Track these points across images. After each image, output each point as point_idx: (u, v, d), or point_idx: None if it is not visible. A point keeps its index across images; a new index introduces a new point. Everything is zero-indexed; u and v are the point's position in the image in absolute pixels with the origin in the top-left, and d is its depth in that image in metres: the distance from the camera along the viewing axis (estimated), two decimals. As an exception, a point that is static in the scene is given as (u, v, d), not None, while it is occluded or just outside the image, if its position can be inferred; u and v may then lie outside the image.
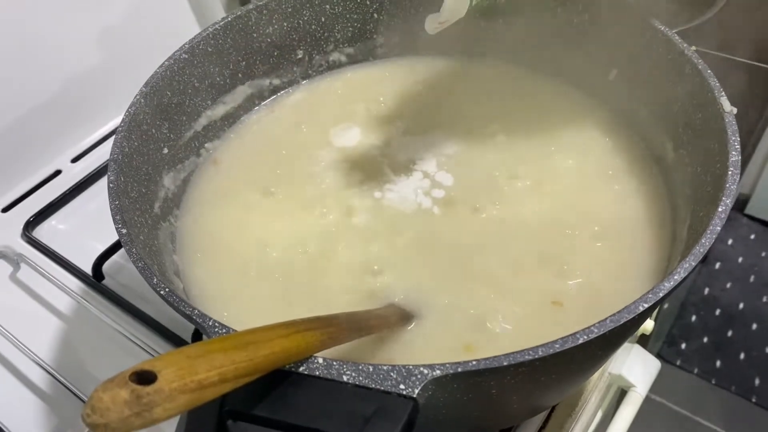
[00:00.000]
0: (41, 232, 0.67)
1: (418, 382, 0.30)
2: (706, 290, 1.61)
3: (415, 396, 0.29)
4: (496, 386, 0.33)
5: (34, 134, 0.72)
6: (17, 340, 0.56)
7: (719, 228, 0.35)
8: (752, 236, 1.73)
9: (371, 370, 0.30)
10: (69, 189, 0.70)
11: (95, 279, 0.61)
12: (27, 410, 0.54)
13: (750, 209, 1.73)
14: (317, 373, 0.30)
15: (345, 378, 0.30)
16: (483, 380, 0.31)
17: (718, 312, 1.57)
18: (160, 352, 0.54)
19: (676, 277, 0.33)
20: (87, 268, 0.61)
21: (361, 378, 0.30)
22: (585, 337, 0.31)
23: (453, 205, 0.51)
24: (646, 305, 0.32)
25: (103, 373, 0.56)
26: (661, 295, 0.32)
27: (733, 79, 0.87)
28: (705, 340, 1.52)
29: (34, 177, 0.73)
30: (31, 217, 0.67)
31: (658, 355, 1.46)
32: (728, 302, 1.58)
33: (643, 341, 1.17)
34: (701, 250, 0.34)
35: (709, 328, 1.53)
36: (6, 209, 0.70)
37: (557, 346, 0.30)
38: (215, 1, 0.81)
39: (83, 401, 0.51)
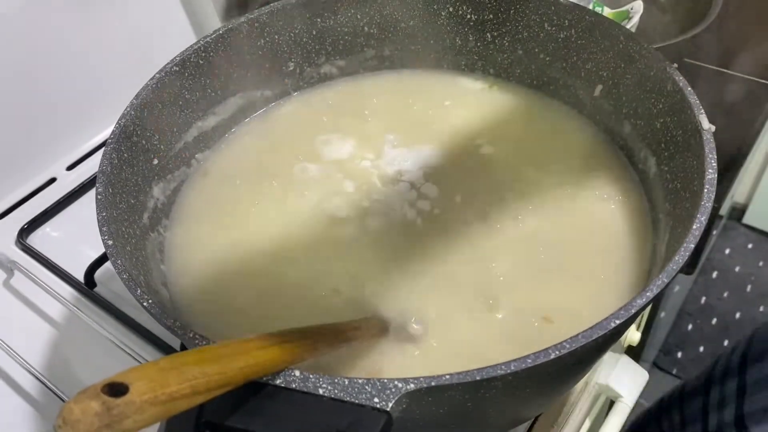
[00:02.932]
0: (35, 240, 0.68)
1: (392, 396, 0.30)
2: (703, 299, 1.61)
3: (388, 409, 0.30)
4: (471, 400, 0.33)
5: (30, 142, 0.73)
6: (8, 347, 0.57)
7: (693, 246, 0.36)
8: (749, 245, 1.73)
9: (347, 383, 0.31)
10: (64, 196, 0.71)
11: (87, 286, 0.61)
12: (17, 417, 0.54)
13: (747, 219, 1.73)
14: (294, 385, 0.31)
15: (321, 391, 0.31)
16: (457, 394, 0.32)
17: (714, 321, 1.57)
18: (150, 360, 0.54)
19: (648, 294, 0.33)
20: (80, 275, 0.62)
21: (336, 391, 0.30)
22: (557, 352, 0.31)
23: (438, 217, 0.51)
24: (618, 321, 0.32)
25: (93, 381, 0.56)
26: (633, 311, 0.33)
27: (726, 92, 0.88)
28: (701, 349, 1.52)
29: (29, 184, 0.74)
30: (25, 224, 0.68)
31: (654, 364, 1.47)
32: (725, 311, 1.58)
33: (637, 350, 1.16)
34: (674, 267, 0.35)
35: (705, 337, 1.53)
36: (0, 216, 0.71)
37: (529, 361, 0.31)
38: (212, 14, 0.82)
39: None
